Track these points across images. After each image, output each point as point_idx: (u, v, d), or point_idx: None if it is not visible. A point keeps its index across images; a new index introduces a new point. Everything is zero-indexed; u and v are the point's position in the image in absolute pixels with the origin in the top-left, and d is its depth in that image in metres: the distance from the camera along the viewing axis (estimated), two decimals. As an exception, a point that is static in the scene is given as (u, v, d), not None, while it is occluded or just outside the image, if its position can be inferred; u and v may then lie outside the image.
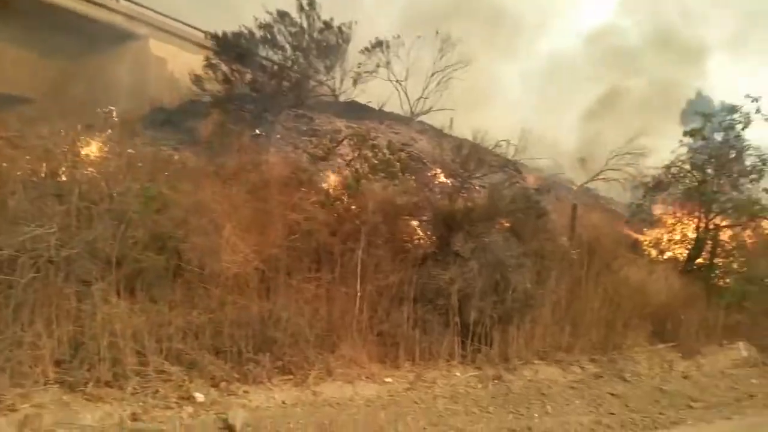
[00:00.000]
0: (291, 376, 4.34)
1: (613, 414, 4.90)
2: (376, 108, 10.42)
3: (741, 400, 5.64)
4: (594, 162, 9.89)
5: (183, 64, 9.84)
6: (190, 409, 3.74)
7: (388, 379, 4.82)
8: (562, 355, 5.79)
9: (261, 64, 8.57)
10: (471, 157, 6.26)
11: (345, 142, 6.95)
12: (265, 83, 8.27)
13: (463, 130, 7.23)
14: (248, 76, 8.30)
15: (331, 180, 5.74)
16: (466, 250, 5.45)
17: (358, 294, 4.88)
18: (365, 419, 4.21)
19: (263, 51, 8.72)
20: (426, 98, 11.11)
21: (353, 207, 5.16)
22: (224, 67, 8.28)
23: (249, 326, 4.28)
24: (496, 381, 5.17)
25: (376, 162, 5.62)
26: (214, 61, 8.34)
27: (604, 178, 9.77)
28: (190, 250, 4.22)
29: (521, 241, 5.73)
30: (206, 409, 3.79)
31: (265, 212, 4.92)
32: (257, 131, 7.57)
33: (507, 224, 5.97)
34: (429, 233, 5.74)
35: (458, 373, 5.17)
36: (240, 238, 4.49)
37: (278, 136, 7.93)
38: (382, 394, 4.64)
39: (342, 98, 10.58)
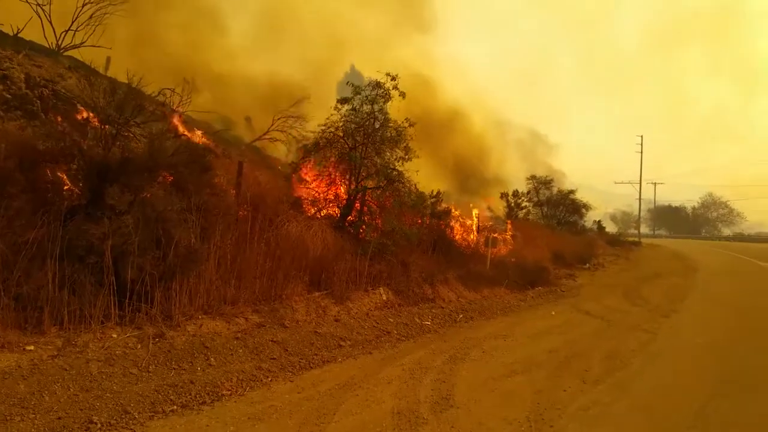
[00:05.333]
0: None
1: (274, 359, 6.42)
2: (11, 34, 9.72)
3: (380, 337, 7.96)
4: (261, 122, 11.86)
5: None
6: None
7: (30, 347, 5.18)
8: (228, 309, 7.12)
9: None
10: (128, 101, 6.85)
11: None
12: None
13: (123, 73, 7.71)
14: None
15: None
16: (123, 204, 6.15)
17: (-14, 253, 5.00)
18: (1, 393, 4.54)
19: None
20: (76, 31, 10.91)
21: (-23, 149, 5.12)
22: None
23: None
24: (157, 339, 6.07)
25: (8, 97, 5.61)
26: None
27: (269, 138, 11.90)
28: None
29: (185, 196, 6.77)
30: None
31: None
32: None
33: (170, 177, 6.90)
34: (79, 184, 6.13)
35: (115, 335, 5.86)
36: None
37: None
38: (22, 364, 4.97)
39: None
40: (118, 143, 6.76)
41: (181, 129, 9.41)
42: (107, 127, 6.70)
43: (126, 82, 7.51)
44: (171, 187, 6.81)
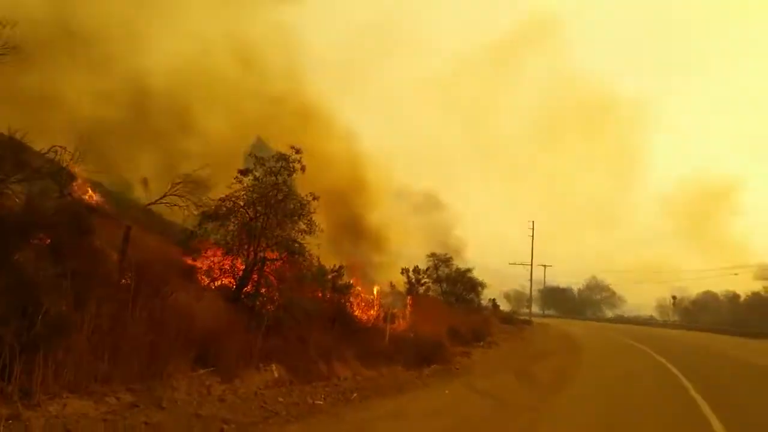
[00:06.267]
0: None
1: (141, 447, 5.76)
2: None
3: (268, 418, 7.37)
4: (161, 186, 11.36)
5: None
6: None
7: None
8: (98, 386, 6.44)
9: None
10: (6, 157, 6.39)
11: None
12: None
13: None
14: None
15: None
16: (-15, 267, 5.57)
17: None
18: None
19: None
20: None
21: None
22: None
23: None
24: (10, 421, 5.33)
25: None
26: None
27: (167, 203, 11.40)
28: None
29: (60, 259, 6.25)
30: None
31: None
32: None
33: (47, 239, 6.37)
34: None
35: (-43, 418, 5.15)
36: None
37: None
38: None
39: None
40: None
41: (75, 189, 8.80)
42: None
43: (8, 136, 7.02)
44: (46, 249, 6.25)
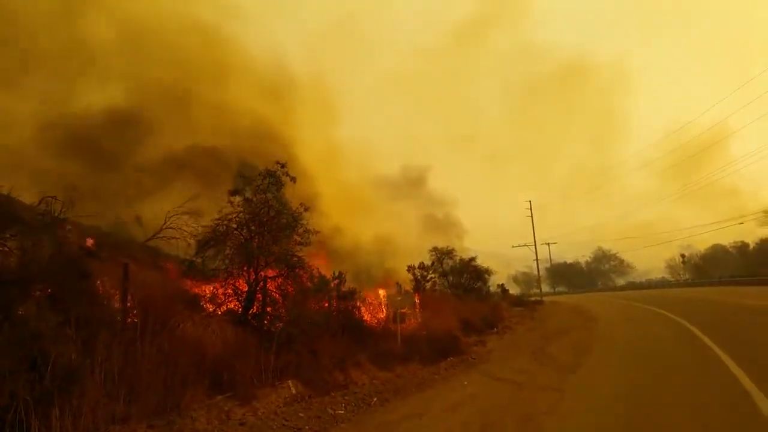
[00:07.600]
0: None
1: (162, 479, 5.89)
2: None
3: None
4: (156, 221, 11.47)
5: None
6: None
7: None
8: (117, 428, 6.46)
9: None
10: (-4, 214, 6.42)
11: None
12: None
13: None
14: None
15: None
16: (-10, 326, 5.60)
17: None
18: None
19: None
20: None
21: None
22: None
23: None
24: (34, 475, 5.42)
25: None
26: None
27: (164, 237, 11.50)
28: None
29: (62, 308, 6.28)
30: None
31: None
32: None
33: (47, 290, 6.40)
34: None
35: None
36: None
37: None
38: None
39: None
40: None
41: (65, 237, 8.82)
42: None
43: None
44: (47, 300, 6.28)
